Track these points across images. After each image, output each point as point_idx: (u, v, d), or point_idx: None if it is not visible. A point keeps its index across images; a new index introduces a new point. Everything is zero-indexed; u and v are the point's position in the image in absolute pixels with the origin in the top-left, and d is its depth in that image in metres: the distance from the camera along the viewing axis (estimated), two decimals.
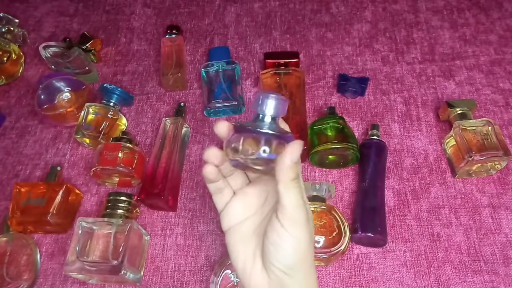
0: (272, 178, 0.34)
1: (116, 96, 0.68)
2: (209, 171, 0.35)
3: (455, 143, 0.61)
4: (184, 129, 0.66)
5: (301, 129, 0.62)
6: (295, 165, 0.32)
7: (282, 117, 0.35)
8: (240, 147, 0.32)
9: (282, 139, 0.32)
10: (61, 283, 0.57)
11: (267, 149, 0.31)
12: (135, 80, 0.77)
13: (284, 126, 0.37)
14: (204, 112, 0.70)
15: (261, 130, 0.32)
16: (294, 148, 0.31)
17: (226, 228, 0.37)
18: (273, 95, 0.33)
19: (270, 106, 0.33)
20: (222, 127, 0.34)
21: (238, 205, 0.37)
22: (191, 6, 0.87)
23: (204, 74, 0.70)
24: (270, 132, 0.32)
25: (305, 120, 0.63)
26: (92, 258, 0.53)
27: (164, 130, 0.65)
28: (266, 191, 0.38)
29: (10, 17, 0.82)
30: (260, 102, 0.33)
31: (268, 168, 0.33)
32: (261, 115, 0.33)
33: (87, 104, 0.67)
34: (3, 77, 0.78)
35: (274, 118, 0.33)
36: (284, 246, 0.33)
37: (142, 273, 0.56)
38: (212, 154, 0.35)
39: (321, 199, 0.57)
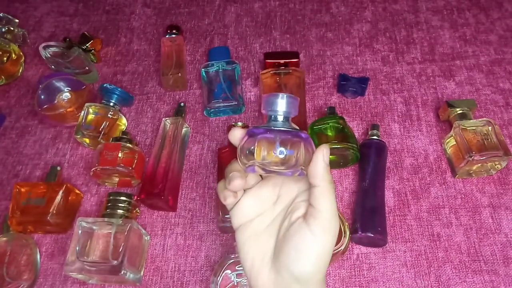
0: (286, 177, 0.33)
1: (116, 96, 0.68)
2: (231, 202, 0.35)
3: (455, 143, 0.61)
4: (184, 129, 0.66)
5: (301, 129, 0.62)
6: (329, 167, 0.31)
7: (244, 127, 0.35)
8: (255, 150, 0.31)
9: (297, 136, 0.31)
10: (61, 283, 0.57)
11: (283, 149, 0.31)
12: (135, 80, 0.77)
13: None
14: (204, 112, 0.70)
15: (275, 128, 0.31)
16: (325, 149, 0.31)
17: (237, 226, 0.36)
18: (284, 94, 0.32)
19: (281, 105, 0.32)
20: (237, 134, 0.33)
21: (250, 203, 0.36)
22: (191, 6, 0.87)
23: (204, 74, 0.70)
24: (283, 129, 0.31)
25: (305, 120, 0.63)
26: (92, 258, 0.53)
27: (164, 130, 0.65)
28: (279, 187, 0.37)
29: (10, 17, 0.82)
30: (271, 103, 0.32)
31: (289, 168, 0.32)
32: (273, 116, 0.33)
33: (87, 104, 0.67)
34: (3, 77, 0.78)
35: (287, 118, 0.33)
36: (307, 254, 0.32)
37: (142, 273, 0.56)
38: (238, 184, 0.33)
39: None
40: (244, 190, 0.36)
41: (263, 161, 0.31)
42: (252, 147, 0.31)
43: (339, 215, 0.53)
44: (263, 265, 0.34)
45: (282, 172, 0.32)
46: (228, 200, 0.34)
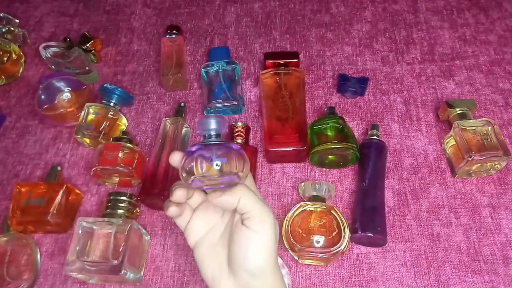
0: None
1: (116, 96, 0.68)
2: (173, 211, 0.38)
3: (454, 143, 0.61)
4: (184, 129, 0.66)
5: (301, 129, 0.62)
6: (230, 195, 0.35)
7: (246, 128, 0.39)
8: (193, 166, 0.34)
9: (228, 147, 0.35)
10: (61, 283, 0.57)
11: (218, 161, 0.34)
12: (135, 80, 0.77)
13: None
14: (204, 112, 0.70)
15: (208, 143, 0.35)
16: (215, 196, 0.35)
17: (193, 243, 0.40)
18: (212, 116, 0.37)
19: (212, 125, 0.36)
20: (177, 158, 0.36)
21: (199, 220, 0.40)
22: (191, 6, 0.87)
23: (204, 74, 0.70)
24: (215, 142, 0.36)
25: (305, 120, 0.63)
26: (92, 258, 0.53)
27: (164, 130, 0.65)
28: None
29: (10, 17, 0.82)
30: (203, 125, 0.36)
31: (226, 176, 0.35)
32: (207, 135, 0.36)
33: (87, 104, 0.67)
34: (3, 77, 0.78)
35: (218, 135, 0.37)
36: (254, 248, 0.35)
37: (142, 273, 0.57)
38: (179, 194, 0.37)
39: (321, 199, 0.57)
40: (194, 210, 0.41)
41: (203, 175, 0.34)
42: (192, 164, 0.34)
43: (339, 215, 0.54)
44: (222, 273, 0.37)
45: (221, 183, 0.35)
46: (170, 209, 0.37)
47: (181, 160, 0.36)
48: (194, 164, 0.34)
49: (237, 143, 0.62)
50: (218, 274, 0.37)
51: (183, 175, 0.35)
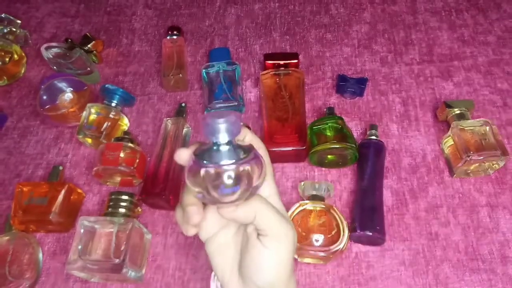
0: None
1: (117, 96, 0.69)
2: (193, 232, 0.34)
3: (453, 143, 0.62)
4: (185, 130, 0.67)
5: (301, 129, 0.62)
6: (246, 209, 0.32)
7: (247, 128, 0.34)
8: (202, 181, 0.30)
9: (244, 163, 0.30)
10: (63, 282, 0.58)
11: (230, 180, 0.29)
12: (137, 81, 0.77)
13: (247, 136, 0.35)
14: (205, 113, 0.71)
15: (220, 164, 0.29)
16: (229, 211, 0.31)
17: (204, 239, 0.37)
18: (222, 119, 0.29)
19: (222, 132, 0.29)
20: (184, 155, 0.32)
21: (213, 217, 0.36)
22: (191, 7, 0.88)
23: (204, 75, 0.71)
24: (229, 163, 0.29)
25: (305, 120, 0.64)
26: (94, 256, 0.53)
27: (165, 130, 0.65)
28: None
29: (12, 18, 0.82)
30: (211, 130, 0.29)
31: (239, 197, 0.31)
32: (215, 144, 0.30)
33: (88, 104, 0.67)
34: (5, 77, 0.78)
35: (230, 142, 0.30)
36: (266, 265, 0.33)
37: (143, 271, 0.57)
38: (197, 218, 0.33)
39: (320, 198, 0.58)
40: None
41: (212, 192, 0.30)
42: (198, 178, 0.30)
43: (338, 214, 0.55)
44: (232, 274, 0.35)
45: (233, 203, 0.31)
46: (190, 233, 0.34)
47: (188, 165, 0.31)
48: (202, 178, 0.29)
49: None
50: (229, 275, 0.35)
51: (189, 181, 0.31)
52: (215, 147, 0.30)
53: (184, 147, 0.33)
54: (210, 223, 0.36)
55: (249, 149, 0.31)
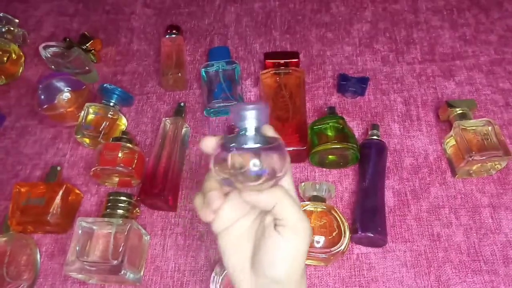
0: None
1: (116, 96, 0.68)
2: (211, 218, 0.35)
3: (455, 143, 0.61)
4: (184, 129, 0.66)
5: (301, 129, 0.62)
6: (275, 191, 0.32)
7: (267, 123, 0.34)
8: (228, 166, 0.31)
9: (270, 150, 0.32)
10: (61, 283, 0.57)
11: (257, 162, 0.30)
12: (135, 80, 0.77)
13: (270, 132, 0.36)
14: (204, 112, 0.70)
15: (246, 147, 0.31)
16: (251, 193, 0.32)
17: (218, 231, 0.37)
18: (251, 106, 0.32)
19: (250, 118, 0.32)
20: (210, 143, 0.33)
21: (229, 209, 0.36)
22: (191, 6, 0.87)
23: (204, 74, 0.70)
24: (255, 146, 0.31)
25: (305, 120, 0.63)
26: (92, 258, 0.53)
27: (164, 130, 0.65)
28: None
29: (10, 17, 0.82)
30: (239, 116, 0.32)
31: (262, 183, 0.32)
32: (243, 129, 0.32)
33: (87, 104, 0.67)
34: (3, 77, 0.78)
35: (257, 129, 0.32)
36: (281, 257, 0.33)
37: (142, 273, 0.56)
38: (217, 203, 0.34)
39: (321, 199, 0.57)
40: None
41: (237, 175, 0.31)
42: (225, 162, 0.31)
43: (339, 215, 0.54)
44: (244, 267, 0.35)
45: (257, 188, 0.32)
46: (209, 218, 0.35)
47: (214, 152, 0.32)
48: (229, 161, 0.31)
49: None
50: (241, 268, 0.35)
51: (216, 168, 0.32)
52: (242, 132, 0.32)
53: (210, 135, 0.34)
54: (226, 214, 0.36)
55: (275, 139, 0.33)
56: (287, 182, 0.36)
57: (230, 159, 0.31)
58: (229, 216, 0.36)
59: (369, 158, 0.61)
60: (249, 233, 0.36)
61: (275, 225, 0.34)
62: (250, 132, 0.32)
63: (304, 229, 0.34)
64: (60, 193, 0.59)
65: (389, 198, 0.61)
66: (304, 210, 0.56)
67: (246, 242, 0.36)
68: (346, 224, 0.54)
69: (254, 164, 0.30)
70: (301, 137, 0.61)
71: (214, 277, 0.52)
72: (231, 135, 0.33)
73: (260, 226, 0.35)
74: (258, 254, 0.34)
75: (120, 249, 0.52)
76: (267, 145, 0.31)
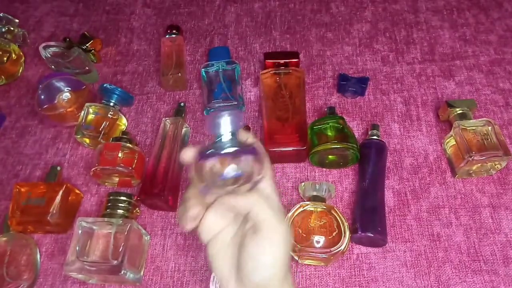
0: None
1: (116, 96, 0.68)
2: (191, 227, 0.36)
3: (455, 143, 0.61)
4: (184, 129, 0.66)
5: (301, 129, 0.62)
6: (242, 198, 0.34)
7: (246, 128, 0.36)
8: (207, 172, 0.32)
9: (245, 153, 0.33)
10: (61, 283, 0.57)
11: (233, 166, 0.32)
12: (135, 80, 0.77)
13: (247, 136, 0.38)
14: (204, 112, 0.70)
15: (222, 152, 0.33)
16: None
17: (206, 241, 0.38)
18: (223, 113, 0.33)
19: (224, 125, 0.33)
20: (189, 153, 0.35)
21: (213, 218, 0.37)
22: (191, 6, 0.87)
23: (204, 74, 0.70)
24: (231, 150, 0.33)
25: (305, 120, 0.63)
26: (92, 258, 0.53)
27: (164, 130, 0.65)
28: None
29: (10, 17, 0.82)
30: (214, 124, 0.33)
31: (243, 185, 0.33)
32: (219, 136, 0.34)
33: (87, 104, 0.67)
34: (3, 77, 0.78)
35: (233, 134, 0.34)
36: (263, 259, 0.34)
37: (142, 273, 0.56)
38: (195, 212, 0.36)
39: (321, 199, 0.57)
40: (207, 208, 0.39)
41: (215, 182, 0.32)
42: (203, 171, 0.32)
43: (339, 215, 0.54)
44: (231, 275, 0.36)
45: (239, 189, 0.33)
46: (188, 227, 0.36)
47: (193, 162, 0.34)
48: (206, 168, 0.32)
49: None
50: (228, 275, 0.36)
51: (195, 177, 0.34)
52: (218, 138, 0.34)
53: (188, 147, 0.35)
54: (211, 224, 0.37)
55: (250, 145, 0.35)
56: (267, 185, 0.37)
57: (207, 165, 0.32)
58: (212, 224, 0.37)
59: (369, 158, 0.61)
60: (235, 241, 0.37)
61: (253, 231, 0.35)
62: (226, 137, 0.33)
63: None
64: (60, 193, 0.59)
65: (389, 198, 0.61)
66: (304, 210, 0.56)
67: (232, 249, 0.37)
68: (346, 224, 0.54)
69: (230, 168, 0.32)
70: (301, 137, 0.61)
71: (214, 277, 0.52)
72: (208, 143, 0.34)
73: (243, 234, 0.36)
74: (241, 260, 0.35)
75: (120, 249, 0.52)
76: (242, 149, 0.33)
